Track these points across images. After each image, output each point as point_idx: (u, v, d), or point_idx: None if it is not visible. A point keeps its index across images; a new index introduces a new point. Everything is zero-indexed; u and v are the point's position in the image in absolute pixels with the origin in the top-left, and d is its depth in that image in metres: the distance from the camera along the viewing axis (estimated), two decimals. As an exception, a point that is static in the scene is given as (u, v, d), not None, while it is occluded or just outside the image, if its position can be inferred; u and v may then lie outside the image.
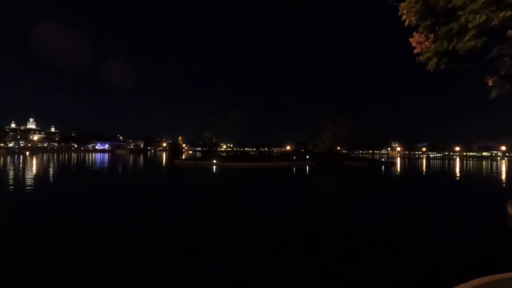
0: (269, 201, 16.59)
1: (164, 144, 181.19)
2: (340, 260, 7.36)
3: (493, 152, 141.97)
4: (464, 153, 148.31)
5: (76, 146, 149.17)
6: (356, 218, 12.37)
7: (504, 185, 27.95)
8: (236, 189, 21.94)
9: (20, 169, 33.31)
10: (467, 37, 5.15)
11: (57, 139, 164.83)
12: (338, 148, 66.99)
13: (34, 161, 50.02)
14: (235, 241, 8.73)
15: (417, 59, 6.09)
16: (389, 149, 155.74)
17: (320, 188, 24.55)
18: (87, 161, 56.21)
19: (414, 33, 5.96)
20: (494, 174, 41.20)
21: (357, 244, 8.65)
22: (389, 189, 23.93)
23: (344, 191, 22.57)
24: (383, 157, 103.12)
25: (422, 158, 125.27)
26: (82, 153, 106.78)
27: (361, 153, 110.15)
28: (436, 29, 5.69)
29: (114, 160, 63.63)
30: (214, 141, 61.65)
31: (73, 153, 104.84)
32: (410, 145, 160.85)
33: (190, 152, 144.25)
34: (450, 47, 5.50)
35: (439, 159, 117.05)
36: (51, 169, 35.13)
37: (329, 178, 32.37)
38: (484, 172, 46.18)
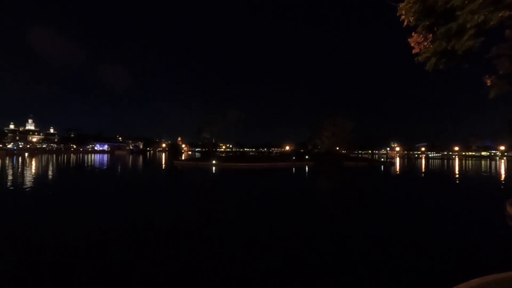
0: (268, 201, 16.58)
1: (164, 145, 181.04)
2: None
3: (492, 151, 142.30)
4: (463, 153, 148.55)
5: (75, 147, 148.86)
6: (355, 219, 12.37)
7: (502, 184, 28.01)
8: (235, 190, 21.90)
9: (19, 170, 33.19)
10: (465, 37, 5.16)
11: (56, 140, 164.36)
12: (338, 148, 67.04)
13: (33, 162, 49.87)
14: (234, 242, 8.73)
15: (416, 59, 6.10)
16: (388, 149, 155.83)
17: (319, 189, 24.51)
18: (86, 162, 56.08)
19: (413, 33, 5.97)
20: (493, 174, 41.27)
21: (355, 245, 8.65)
22: (389, 189, 23.91)
23: (343, 191, 22.57)
24: (383, 157, 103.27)
25: (421, 158, 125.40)
26: (81, 154, 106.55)
27: (361, 153, 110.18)
28: (435, 29, 5.69)
29: (113, 161, 63.49)
30: (213, 141, 61.67)
31: (72, 154, 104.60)
32: (409, 145, 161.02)
33: (190, 152, 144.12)
34: (449, 47, 5.51)
35: (438, 159, 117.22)
36: (50, 171, 35.03)
37: (328, 179, 32.33)
38: (483, 171, 46.23)
